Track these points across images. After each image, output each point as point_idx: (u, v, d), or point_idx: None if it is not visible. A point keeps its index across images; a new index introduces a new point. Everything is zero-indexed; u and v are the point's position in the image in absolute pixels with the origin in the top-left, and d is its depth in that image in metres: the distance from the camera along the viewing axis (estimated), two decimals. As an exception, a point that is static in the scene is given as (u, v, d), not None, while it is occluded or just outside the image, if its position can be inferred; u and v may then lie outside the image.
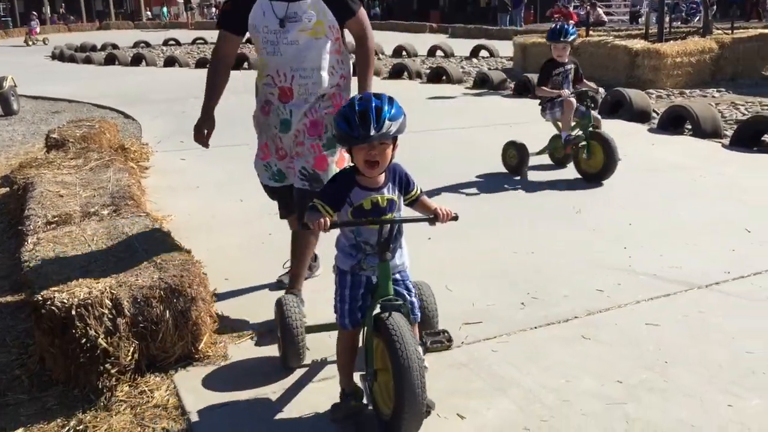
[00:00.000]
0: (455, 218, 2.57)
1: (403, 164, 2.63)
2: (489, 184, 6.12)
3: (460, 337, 3.31)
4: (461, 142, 7.90)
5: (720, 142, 7.58)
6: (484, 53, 19.40)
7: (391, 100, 2.38)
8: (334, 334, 2.78)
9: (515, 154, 6.35)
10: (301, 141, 3.45)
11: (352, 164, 2.54)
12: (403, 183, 2.59)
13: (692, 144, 7.62)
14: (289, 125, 3.44)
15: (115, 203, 4.32)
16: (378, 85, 13.79)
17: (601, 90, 9.21)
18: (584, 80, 6.31)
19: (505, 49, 18.80)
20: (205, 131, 3.52)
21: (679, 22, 18.83)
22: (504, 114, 9.79)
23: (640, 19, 23.48)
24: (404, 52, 19.50)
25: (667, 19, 15.01)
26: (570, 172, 6.37)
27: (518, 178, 6.30)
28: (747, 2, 26.40)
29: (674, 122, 8.23)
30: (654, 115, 9.11)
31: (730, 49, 12.62)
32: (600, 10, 25.74)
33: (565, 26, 6.22)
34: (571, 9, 27.69)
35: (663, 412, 2.72)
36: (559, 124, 6.21)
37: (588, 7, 22.74)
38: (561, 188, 5.98)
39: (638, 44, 12.49)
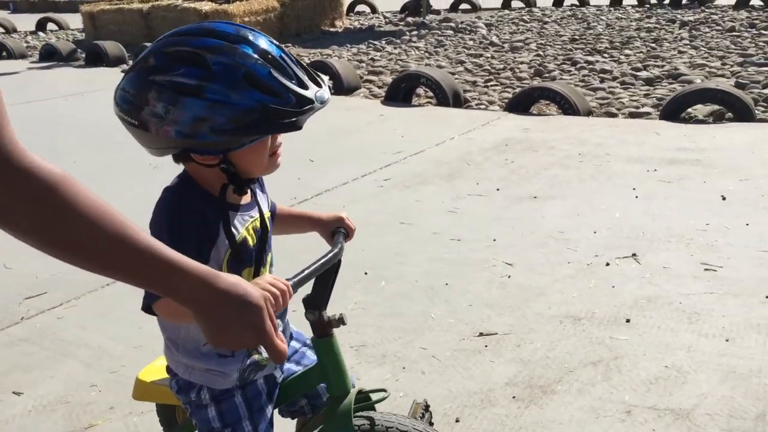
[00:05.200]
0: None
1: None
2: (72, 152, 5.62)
3: (20, 312, 3.01)
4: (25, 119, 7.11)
5: (288, 89, 8.15)
6: (52, 26, 17.78)
7: None
8: None
9: None
10: None
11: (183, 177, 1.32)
12: (264, 186, 1.46)
13: (264, 93, 8.07)
14: None
15: None
16: None
17: None
18: None
19: (76, 21, 17.47)
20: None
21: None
22: (75, 84, 9.14)
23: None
24: (-48, 31, 16.81)
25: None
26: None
27: None
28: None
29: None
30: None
31: (291, 7, 13.60)
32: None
33: None
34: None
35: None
36: None
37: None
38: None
39: (206, 6, 12.70)
